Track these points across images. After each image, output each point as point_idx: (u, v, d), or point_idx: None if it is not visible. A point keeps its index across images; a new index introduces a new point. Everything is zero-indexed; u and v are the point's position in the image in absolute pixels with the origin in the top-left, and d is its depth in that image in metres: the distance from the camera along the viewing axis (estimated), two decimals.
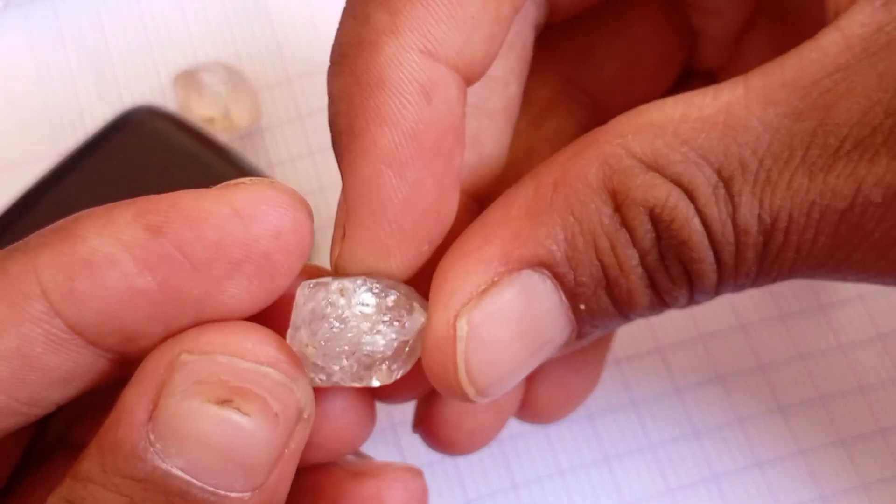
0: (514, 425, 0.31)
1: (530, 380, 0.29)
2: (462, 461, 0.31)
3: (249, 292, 0.20)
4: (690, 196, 0.20)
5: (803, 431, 0.36)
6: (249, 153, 0.40)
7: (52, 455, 0.23)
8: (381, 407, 0.26)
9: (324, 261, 0.23)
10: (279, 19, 0.43)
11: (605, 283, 0.21)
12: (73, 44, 0.43)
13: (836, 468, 0.35)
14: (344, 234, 0.22)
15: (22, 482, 0.23)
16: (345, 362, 0.21)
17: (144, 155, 0.37)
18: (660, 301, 0.21)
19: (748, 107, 0.20)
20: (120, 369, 0.21)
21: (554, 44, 0.29)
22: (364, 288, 0.21)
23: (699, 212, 0.20)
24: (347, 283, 0.21)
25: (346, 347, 0.21)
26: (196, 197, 0.20)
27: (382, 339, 0.21)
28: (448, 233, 0.23)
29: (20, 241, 0.20)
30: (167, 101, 0.40)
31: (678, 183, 0.20)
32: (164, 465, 0.18)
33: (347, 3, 0.22)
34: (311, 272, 0.23)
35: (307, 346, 0.21)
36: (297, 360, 0.20)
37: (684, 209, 0.20)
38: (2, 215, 0.37)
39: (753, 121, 0.20)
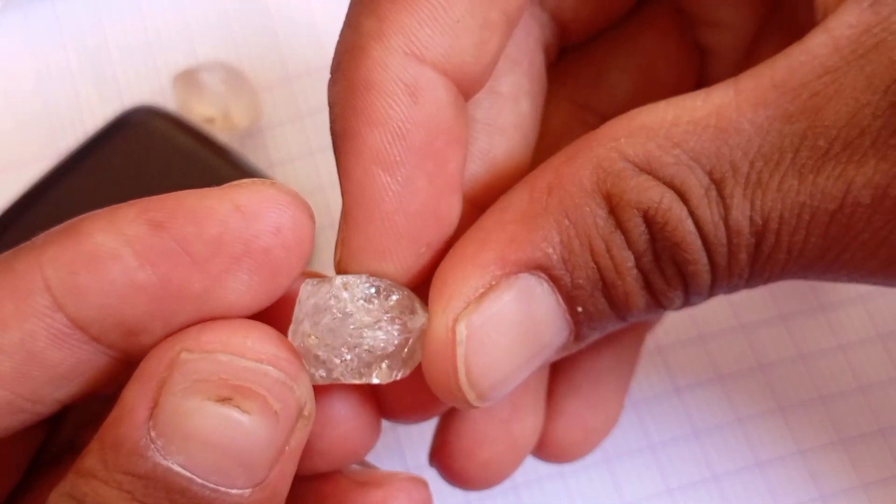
0: None
1: (549, 417, 0.29)
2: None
3: (250, 288, 0.20)
4: (683, 198, 0.20)
5: (803, 431, 0.36)
6: (249, 153, 0.40)
7: (61, 460, 0.24)
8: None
9: (325, 262, 0.23)
10: (279, 19, 0.43)
11: (602, 285, 0.21)
12: (73, 44, 0.43)
13: (836, 468, 0.35)
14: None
15: (31, 487, 0.23)
16: (346, 356, 0.21)
17: (144, 155, 0.37)
18: (656, 302, 0.22)
19: (739, 109, 0.20)
20: (122, 368, 0.21)
21: (564, 70, 0.29)
22: (367, 284, 0.21)
23: (692, 213, 0.20)
24: (351, 278, 0.22)
25: (349, 339, 0.21)
26: (199, 195, 0.20)
27: (384, 335, 0.21)
28: (454, 239, 0.23)
29: (28, 241, 0.20)
30: (167, 100, 0.40)
31: (671, 185, 0.20)
32: (165, 462, 0.18)
33: (346, 14, 0.23)
34: (313, 277, 0.23)
35: (309, 335, 0.21)
36: (298, 359, 0.20)
37: (677, 211, 0.20)
38: (2, 215, 0.37)
39: (744, 123, 0.20)
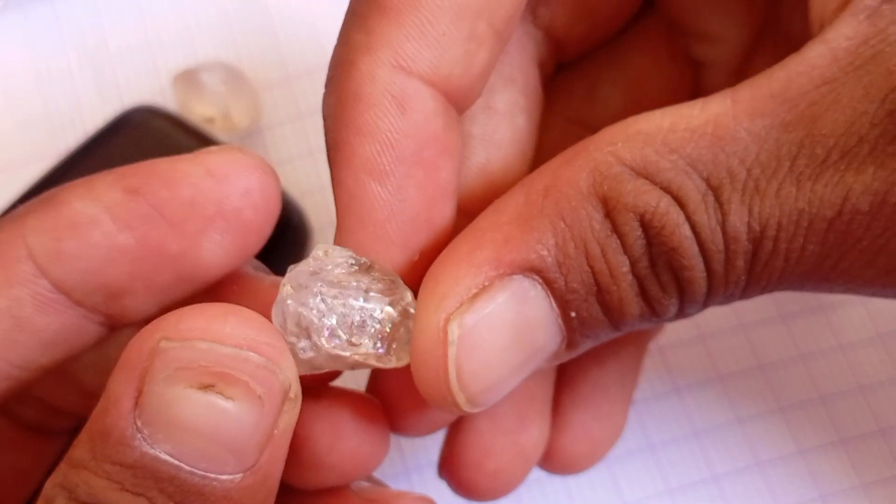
0: None
1: (555, 430, 0.29)
2: None
3: (223, 248, 0.22)
4: (680, 203, 0.20)
5: (803, 431, 0.36)
6: None
7: (57, 468, 0.24)
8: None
9: None
10: (279, 19, 0.43)
11: (596, 290, 0.21)
12: (73, 44, 0.43)
13: (836, 468, 0.35)
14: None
15: None
16: (327, 321, 0.21)
17: (144, 155, 0.37)
18: (650, 310, 0.21)
19: (736, 118, 0.20)
20: (106, 333, 0.22)
21: (559, 86, 0.29)
22: (348, 254, 0.22)
23: (689, 219, 0.20)
24: (330, 246, 0.22)
25: (334, 303, 0.21)
26: (171, 161, 0.22)
27: (371, 304, 0.21)
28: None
29: (8, 214, 0.21)
30: (167, 100, 0.40)
31: (668, 190, 0.20)
32: (152, 451, 0.19)
33: (339, 31, 0.23)
34: None
35: (287, 287, 0.21)
36: (281, 341, 0.20)
37: (674, 215, 0.20)
38: (2, 215, 0.37)
39: (741, 131, 0.20)
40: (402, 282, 0.22)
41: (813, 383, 0.36)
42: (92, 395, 0.25)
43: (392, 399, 0.25)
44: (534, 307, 0.21)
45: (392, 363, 0.22)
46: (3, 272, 0.21)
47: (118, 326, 0.22)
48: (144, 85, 0.42)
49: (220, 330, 0.19)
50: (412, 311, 0.22)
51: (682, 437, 0.36)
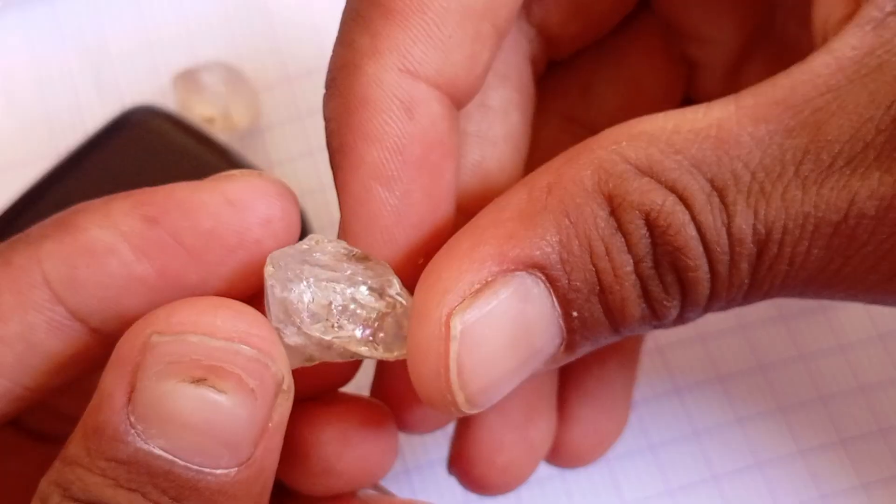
0: None
1: (562, 424, 0.29)
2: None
3: (243, 278, 0.21)
4: (685, 203, 0.20)
5: (803, 431, 0.36)
6: (249, 153, 0.40)
7: (52, 465, 0.24)
8: None
9: None
10: (279, 19, 0.43)
11: (599, 289, 0.21)
12: (73, 44, 0.43)
13: (836, 468, 0.35)
14: None
15: None
16: (309, 305, 0.21)
17: (144, 155, 0.37)
18: (651, 313, 0.21)
19: (739, 122, 0.20)
20: None
21: (553, 84, 0.29)
22: (340, 243, 0.22)
23: (694, 219, 0.20)
24: (321, 237, 0.22)
25: (322, 287, 0.21)
26: (190, 188, 0.21)
27: (361, 293, 0.21)
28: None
29: (21, 234, 0.21)
30: (167, 101, 0.40)
31: (673, 189, 0.20)
32: (146, 447, 0.19)
33: (338, 30, 0.23)
34: None
35: (269, 268, 0.20)
36: (272, 333, 0.20)
37: (680, 215, 0.20)
38: (2, 215, 0.37)
39: (744, 136, 0.20)
40: (391, 272, 0.22)
41: (813, 383, 0.36)
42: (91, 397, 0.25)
43: (397, 395, 0.25)
44: (536, 305, 0.21)
45: (380, 353, 0.21)
46: (17, 297, 0.20)
47: None
48: (144, 85, 0.42)
49: (210, 323, 0.19)
50: (401, 300, 0.21)
51: (682, 437, 0.36)
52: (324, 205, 0.39)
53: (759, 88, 0.21)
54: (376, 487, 0.25)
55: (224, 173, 0.22)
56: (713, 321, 0.37)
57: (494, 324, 0.21)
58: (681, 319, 0.22)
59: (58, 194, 0.37)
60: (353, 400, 0.24)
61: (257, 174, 0.22)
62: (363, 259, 0.22)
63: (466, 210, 0.25)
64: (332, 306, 0.21)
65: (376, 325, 0.21)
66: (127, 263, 0.20)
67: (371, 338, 0.21)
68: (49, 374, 0.21)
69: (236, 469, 0.19)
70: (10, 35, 0.43)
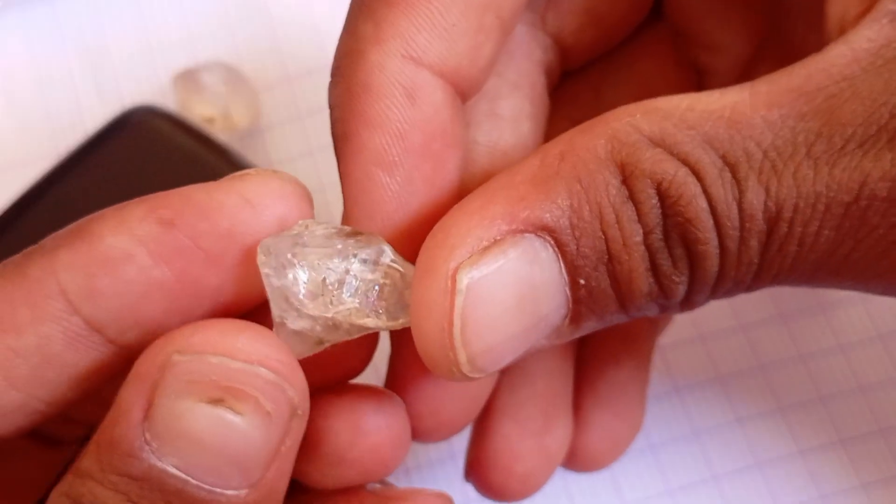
0: None
1: (578, 429, 0.29)
2: (462, 462, 0.31)
3: (260, 279, 0.21)
4: (697, 176, 0.20)
5: (803, 431, 0.36)
6: (249, 153, 0.40)
7: (64, 477, 0.24)
8: None
9: None
10: (279, 19, 0.43)
11: (608, 258, 0.21)
12: (73, 44, 0.43)
13: (836, 468, 0.35)
14: None
15: None
16: (305, 284, 0.20)
17: (144, 155, 0.37)
18: (659, 289, 0.21)
19: (753, 106, 0.20)
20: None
21: (564, 92, 0.29)
22: (328, 224, 0.21)
23: (706, 191, 0.20)
24: (310, 221, 0.21)
25: (317, 265, 0.21)
26: (205, 189, 0.21)
27: (343, 259, 0.21)
28: None
29: (37, 245, 0.21)
30: (167, 101, 0.40)
31: (685, 162, 0.20)
32: (159, 464, 0.19)
33: (345, 20, 0.23)
34: None
35: (260, 257, 0.20)
36: (291, 358, 0.20)
37: (692, 186, 0.20)
38: (2, 215, 0.37)
39: (757, 119, 0.20)
40: (383, 241, 0.22)
41: (813, 383, 0.36)
42: (103, 403, 0.25)
43: (409, 402, 0.25)
44: (543, 269, 0.21)
45: (384, 321, 0.21)
46: (33, 309, 0.20)
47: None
48: (144, 85, 0.42)
49: (231, 344, 0.19)
50: (397, 267, 0.21)
51: (682, 437, 0.36)
52: (324, 205, 0.39)
53: (774, 76, 0.21)
54: (382, 482, 0.25)
55: (238, 173, 0.21)
56: (713, 321, 0.37)
57: (501, 282, 0.20)
58: (688, 302, 0.22)
59: (58, 194, 0.37)
60: (365, 389, 0.24)
61: (272, 172, 0.21)
62: (354, 234, 0.21)
63: None
64: (327, 282, 0.21)
65: (376, 294, 0.21)
66: (145, 269, 0.20)
67: (373, 307, 0.21)
68: (66, 386, 0.21)
69: (247, 490, 0.19)
70: (10, 35, 0.43)
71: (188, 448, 0.19)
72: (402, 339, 0.25)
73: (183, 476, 0.19)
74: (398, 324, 0.21)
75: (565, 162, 0.21)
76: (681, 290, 0.21)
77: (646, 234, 0.20)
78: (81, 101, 0.42)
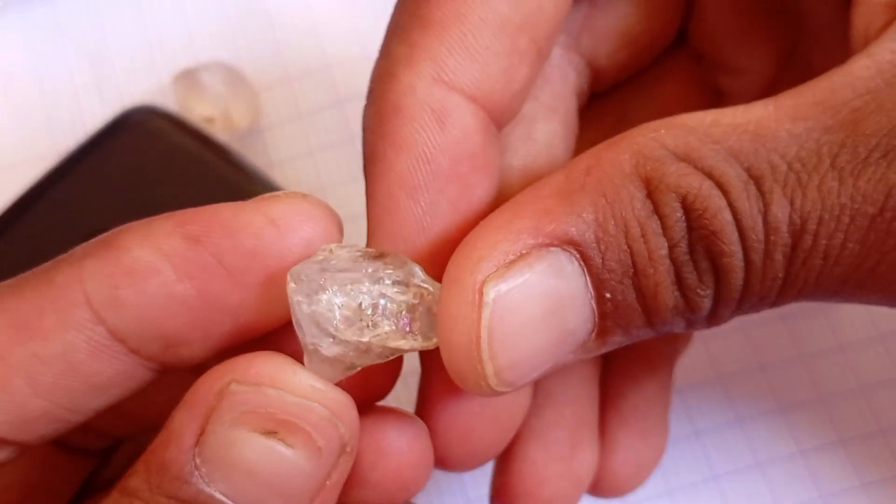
0: None
1: (604, 452, 0.29)
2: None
3: (284, 300, 0.21)
4: (722, 189, 0.20)
5: (803, 431, 0.36)
6: (249, 153, 0.40)
7: (109, 492, 0.24)
8: None
9: None
10: (279, 19, 0.43)
11: (633, 272, 0.20)
12: (73, 44, 0.43)
13: (836, 468, 0.35)
14: None
15: None
16: (340, 311, 0.20)
17: (144, 155, 0.37)
18: (685, 303, 0.21)
19: (778, 120, 0.20)
20: (158, 378, 0.22)
21: (589, 115, 0.29)
22: (354, 247, 0.21)
23: (730, 205, 0.20)
24: (334, 245, 0.21)
25: (348, 291, 0.21)
26: (233, 208, 0.21)
27: (375, 283, 0.21)
28: None
29: (65, 254, 0.21)
30: (167, 101, 0.40)
31: (710, 175, 0.20)
32: (207, 490, 0.19)
33: (381, 44, 0.23)
34: None
35: (291, 285, 0.20)
36: (345, 396, 0.21)
37: (716, 199, 0.20)
38: (2, 215, 0.37)
39: (782, 132, 0.20)
40: (411, 261, 0.22)
41: (813, 383, 0.36)
42: (127, 416, 0.25)
43: (439, 430, 0.25)
44: (569, 283, 0.21)
45: (419, 342, 0.21)
46: (59, 316, 0.20)
47: (170, 370, 0.22)
48: (144, 85, 0.42)
49: (290, 379, 0.20)
50: (427, 287, 0.21)
51: (682, 436, 0.36)
52: None
53: (798, 90, 0.21)
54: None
55: (268, 194, 0.21)
56: None
57: (528, 295, 0.20)
58: (714, 317, 0.22)
59: (58, 194, 0.37)
60: (388, 411, 0.24)
61: (301, 196, 0.21)
62: (380, 256, 0.22)
63: None
64: (362, 307, 0.21)
65: (409, 316, 0.21)
66: (168, 283, 0.20)
67: (408, 329, 0.21)
68: (89, 395, 0.21)
69: None
70: (10, 35, 0.43)
71: (237, 476, 0.19)
72: (432, 365, 0.25)
73: (229, 503, 0.19)
74: (431, 343, 0.21)
75: (591, 176, 0.21)
76: (706, 303, 0.21)
77: (671, 248, 0.20)
78: (81, 101, 0.42)
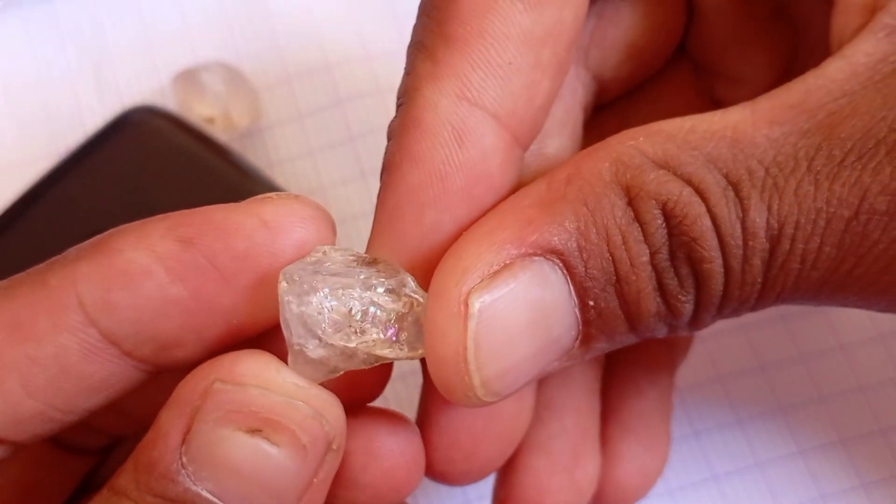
0: None
1: (607, 463, 0.29)
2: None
3: (276, 302, 0.21)
4: (701, 195, 0.20)
5: (803, 431, 0.36)
6: (249, 153, 0.40)
7: (99, 492, 0.24)
8: None
9: None
10: (279, 19, 0.43)
11: (615, 279, 0.21)
12: (72, 44, 0.43)
13: (836, 468, 0.35)
14: None
15: None
16: (329, 314, 0.20)
17: (144, 155, 0.37)
18: (667, 308, 0.21)
19: (755, 125, 0.20)
20: (151, 379, 0.22)
21: (591, 128, 0.29)
22: (347, 251, 0.22)
23: (710, 211, 0.20)
24: (328, 247, 0.21)
25: (338, 296, 0.21)
26: (225, 210, 0.21)
27: (366, 290, 0.21)
28: None
29: (58, 256, 0.21)
30: (167, 101, 0.40)
31: (689, 182, 0.20)
32: (194, 488, 0.19)
33: (406, 58, 0.23)
34: None
35: (283, 284, 0.20)
36: (330, 394, 0.21)
37: (696, 206, 0.20)
38: (2, 215, 0.37)
39: (759, 137, 0.20)
40: (403, 271, 0.22)
41: (813, 383, 0.36)
42: (125, 415, 0.25)
43: (441, 445, 0.25)
44: (553, 291, 0.21)
45: (405, 352, 0.21)
46: (52, 319, 0.20)
47: (162, 371, 0.22)
48: (144, 85, 0.42)
49: (273, 378, 0.20)
50: (418, 297, 0.21)
51: (682, 436, 0.36)
52: (324, 204, 0.39)
53: (774, 94, 0.21)
54: None
55: (260, 196, 0.22)
56: None
57: (513, 305, 0.21)
58: (696, 322, 0.22)
59: (58, 194, 0.37)
60: (379, 413, 0.24)
61: (294, 197, 0.22)
62: (373, 263, 0.22)
63: None
64: (352, 312, 0.21)
65: (397, 325, 0.21)
66: (162, 285, 0.20)
67: (395, 338, 0.21)
68: (82, 396, 0.21)
69: None
70: (9, 35, 0.43)
71: (223, 474, 0.19)
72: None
73: (216, 501, 0.19)
74: (417, 354, 0.22)
75: (571, 185, 0.21)
76: (687, 308, 0.21)
77: (652, 255, 0.21)
78: (81, 101, 0.42)
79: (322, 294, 0.20)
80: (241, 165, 0.37)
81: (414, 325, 0.21)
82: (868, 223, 0.20)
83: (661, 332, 0.22)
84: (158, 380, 0.22)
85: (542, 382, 0.28)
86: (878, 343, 0.37)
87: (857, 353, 0.37)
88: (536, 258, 0.21)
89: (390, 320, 0.21)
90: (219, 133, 0.39)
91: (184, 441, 0.19)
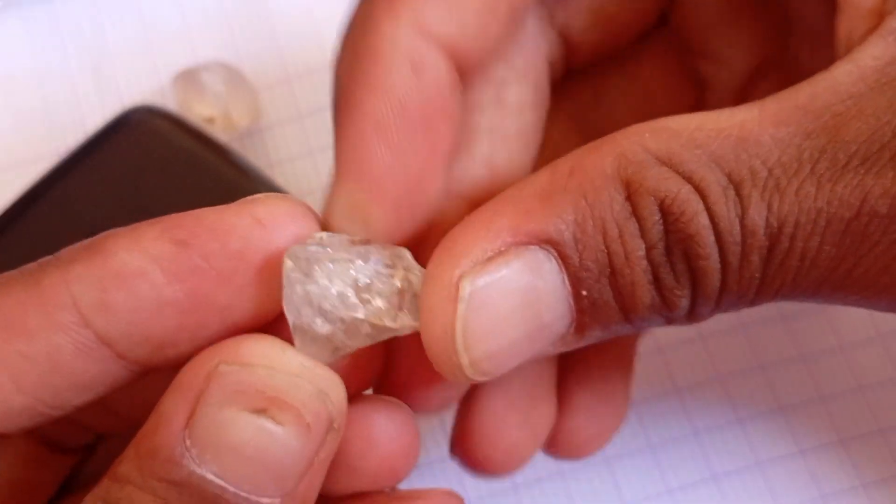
0: None
1: (562, 412, 0.30)
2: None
3: (272, 299, 0.21)
4: (701, 194, 0.20)
5: (803, 431, 0.36)
6: (249, 153, 0.40)
7: (90, 488, 0.24)
8: None
9: None
10: (279, 19, 0.43)
11: (610, 271, 0.21)
12: (73, 44, 0.43)
13: (836, 468, 0.35)
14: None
15: None
16: (334, 287, 0.21)
17: (144, 155, 0.37)
18: (662, 302, 0.21)
19: (761, 124, 0.21)
20: (143, 376, 0.22)
21: (567, 90, 0.30)
22: (344, 235, 0.22)
23: (708, 209, 0.20)
24: (325, 234, 0.22)
25: (338, 272, 0.21)
26: (218, 211, 0.21)
27: (367, 263, 0.21)
28: (439, 237, 0.23)
29: (51, 256, 0.21)
30: (167, 101, 0.40)
31: (689, 180, 0.21)
32: (199, 471, 0.19)
33: None
34: None
35: (288, 263, 0.21)
36: (332, 373, 0.21)
37: (694, 203, 0.20)
38: (2, 215, 0.37)
39: (765, 136, 0.20)
40: (400, 247, 0.22)
41: (813, 383, 0.36)
42: (111, 411, 0.25)
43: (402, 372, 0.26)
44: (546, 280, 0.21)
45: (408, 322, 0.22)
46: (45, 317, 0.20)
47: (155, 370, 0.22)
48: (144, 85, 0.42)
49: (277, 357, 0.20)
50: (415, 271, 0.22)
51: (682, 437, 0.36)
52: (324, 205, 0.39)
53: (782, 94, 0.21)
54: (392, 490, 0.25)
55: (249, 197, 0.22)
56: (713, 321, 0.37)
57: (503, 291, 0.21)
58: (693, 315, 0.22)
59: (58, 194, 0.37)
60: (375, 400, 0.24)
61: (281, 197, 0.22)
62: (367, 242, 0.22)
63: (473, 202, 0.25)
64: (358, 283, 0.21)
65: (399, 297, 0.22)
66: (157, 287, 0.20)
67: (399, 308, 0.22)
68: (72, 392, 0.21)
69: (280, 500, 0.20)
70: (9, 35, 0.43)
71: (228, 456, 0.19)
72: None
73: (221, 483, 0.19)
74: (418, 325, 0.22)
75: (573, 178, 0.21)
76: (684, 303, 0.22)
77: (648, 249, 0.21)
78: (81, 101, 0.42)
79: (328, 268, 0.21)
80: (241, 165, 0.37)
81: (414, 299, 0.22)
82: (868, 225, 0.20)
83: (659, 323, 0.22)
84: (145, 377, 0.22)
85: None
86: (878, 343, 0.37)
87: (857, 353, 0.37)
88: (531, 247, 0.21)
89: (394, 291, 0.22)
90: (219, 133, 0.39)
91: (187, 425, 0.19)
